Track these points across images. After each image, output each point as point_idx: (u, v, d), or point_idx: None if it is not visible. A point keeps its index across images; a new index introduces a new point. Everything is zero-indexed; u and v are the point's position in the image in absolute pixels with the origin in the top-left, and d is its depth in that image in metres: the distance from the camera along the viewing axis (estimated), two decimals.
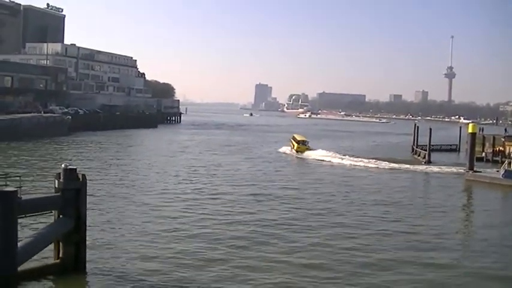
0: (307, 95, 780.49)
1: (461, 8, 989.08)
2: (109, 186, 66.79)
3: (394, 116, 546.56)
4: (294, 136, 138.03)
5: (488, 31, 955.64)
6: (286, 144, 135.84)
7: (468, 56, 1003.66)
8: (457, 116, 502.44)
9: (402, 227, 50.60)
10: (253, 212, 54.62)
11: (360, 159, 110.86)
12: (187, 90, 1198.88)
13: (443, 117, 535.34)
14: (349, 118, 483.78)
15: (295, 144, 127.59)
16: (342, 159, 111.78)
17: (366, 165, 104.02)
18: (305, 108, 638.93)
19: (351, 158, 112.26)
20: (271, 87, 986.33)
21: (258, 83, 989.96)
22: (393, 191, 72.98)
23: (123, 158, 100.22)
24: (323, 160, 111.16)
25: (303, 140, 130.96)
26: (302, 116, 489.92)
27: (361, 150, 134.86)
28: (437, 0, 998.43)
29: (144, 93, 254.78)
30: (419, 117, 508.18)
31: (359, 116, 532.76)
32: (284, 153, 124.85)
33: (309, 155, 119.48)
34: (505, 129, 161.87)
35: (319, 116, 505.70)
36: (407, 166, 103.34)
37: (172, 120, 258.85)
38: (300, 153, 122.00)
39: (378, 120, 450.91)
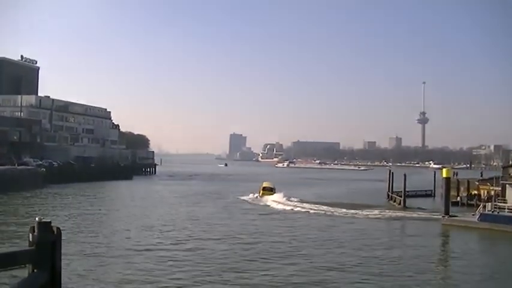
0: (281, 144, 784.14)
1: (432, 53, 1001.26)
2: (84, 238, 65.87)
3: (369, 163, 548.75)
4: (262, 183, 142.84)
5: (459, 75, 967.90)
6: (256, 192, 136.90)
7: (440, 101, 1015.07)
8: (430, 161, 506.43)
9: (377, 274, 50.40)
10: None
11: (324, 206, 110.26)
12: (162, 141, 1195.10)
13: (416, 163, 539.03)
14: (327, 166, 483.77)
15: (261, 191, 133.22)
16: (304, 205, 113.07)
17: (334, 211, 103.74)
18: (280, 157, 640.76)
19: (316, 205, 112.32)
20: (245, 137, 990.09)
21: (232, 133, 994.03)
22: (368, 238, 72.66)
23: (98, 210, 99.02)
24: (284, 206, 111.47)
25: (270, 187, 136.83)
26: (280, 165, 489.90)
27: (336, 197, 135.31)
28: (408, 46, 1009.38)
29: (119, 145, 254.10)
30: (390, 163, 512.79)
31: (337, 164, 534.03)
32: (249, 200, 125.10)
33: (267, 199, 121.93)
34: (481, 173, 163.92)
35: (297, 165, 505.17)
36: (383, 212, 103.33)
37: (148, 171, 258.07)
38: (265, 198, 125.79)
39: (356, 168, 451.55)
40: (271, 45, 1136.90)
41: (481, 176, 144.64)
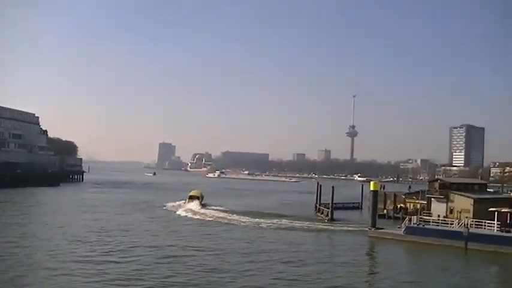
0: (210, 154, 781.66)
1: (361, 67, 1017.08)
2: (6, 247, 63.83)
3: (297, 175, 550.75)
4: (190, 192, 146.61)
5: (388, 89, 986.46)
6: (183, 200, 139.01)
7: (369, 115, 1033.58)
8: (358, 174, 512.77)
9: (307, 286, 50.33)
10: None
11: (252, 217, 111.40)
12: (91, 148, 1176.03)
13: (344, 175, 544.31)
14: (259, 177, 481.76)
15: (187, 199, 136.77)
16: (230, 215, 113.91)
17: (261, 222, 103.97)
18: (209, 167, 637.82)
19: (238, 215, 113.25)
20: (174, 146, 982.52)
21: (161, 142, 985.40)
22: (295, 251, 72.54)
23: (22, 219, 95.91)
24: (211, 216, 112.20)
25: (197, 196, 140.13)
26: (211, 175, 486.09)
27: (265, 208, 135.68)
28: (339, 59, 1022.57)
29: (47, 151, 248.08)
30: (316, 176, 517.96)
31: (268, 175, 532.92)
32: (175, 210, 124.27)
33: (195, 209, 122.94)
34: (409, 187, 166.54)
35: (228, 175, 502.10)
36: (311, 224, 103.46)
37: (75, 178, 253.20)
38: (198, 206, 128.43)
39: (288, 179, 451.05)
40: (198, 54, 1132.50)
41: (409, 189, 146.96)
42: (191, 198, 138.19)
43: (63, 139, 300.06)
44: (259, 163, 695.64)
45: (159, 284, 49.06)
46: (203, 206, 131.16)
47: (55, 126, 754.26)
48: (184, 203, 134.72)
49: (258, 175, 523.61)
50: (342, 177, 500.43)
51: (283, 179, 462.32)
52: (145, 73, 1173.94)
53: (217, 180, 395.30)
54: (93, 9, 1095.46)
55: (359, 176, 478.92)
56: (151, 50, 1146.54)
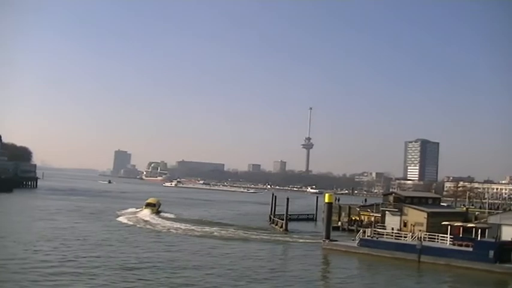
0: (166, 163, 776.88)
1: (318, 80, 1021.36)
2: None
3: (252, 185, 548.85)
4: (148, 200, 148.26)
5: (344, 103, 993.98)
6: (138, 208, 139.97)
7: (325, 128, 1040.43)
8: (311, 186, 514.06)
9: None
10: None
11: (206, 227, 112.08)
12: (46, 155, 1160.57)
13: (300, 187, 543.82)
14: (216, 187, 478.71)
15: (144, 207, 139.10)
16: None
17: (214, 231, 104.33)
18: (164, 176, 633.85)
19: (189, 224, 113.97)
20: (130, 154, 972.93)
21: (117, 150, 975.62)
22: (248, 262, 72.12)
23: None
24: (166, 225, 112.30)
25: (153, 203, 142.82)
26: (168, 184, 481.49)
27: (220, 218, 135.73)
28: (296, 71, 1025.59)
29: (0, 156, 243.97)
30: (269, 186, 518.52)
31: (226, 186, 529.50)
32: (129, 218, 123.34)
33: (145, 216, 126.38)
34: (365, 200, 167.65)
35: (185, 184, 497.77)
36: (265, 235, 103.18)
37: (29, 185, 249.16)
38: (153, 213, 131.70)
39: (245, 190, 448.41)
40: (155, 64, 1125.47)
41: (365, 202, 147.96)
42: (148, 205, 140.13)
43: (18, 145, 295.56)
44: (214, 173, 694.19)
45: None
46: (159, 213, 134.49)
47: (10, 132, 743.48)
48: (141, 210, 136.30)
49: (215, 185, 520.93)
50: (295, 189, 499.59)
51: (241, 189, 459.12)
52: (102, 80, 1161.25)
53: (175, 189, 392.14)
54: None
55: (312, 188, 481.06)
56: (109, 55, 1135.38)
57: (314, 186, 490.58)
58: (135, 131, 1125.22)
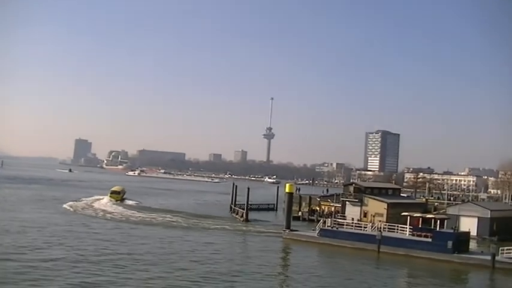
0: (127, 152, 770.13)
1: (280, 69, 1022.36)
2: None
3: (213, 175, 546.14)
4: (113, 187, 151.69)
5: (306, 93, 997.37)
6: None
7: (287, 118, 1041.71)
8: (268, 176, 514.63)
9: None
10: None
11: (163, 214, 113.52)
12: (3, 142, 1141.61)
13: (253, 177, 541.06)
14: (180, 177, 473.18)
15: (109, 194, 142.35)
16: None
17: (176, 221, 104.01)
18: (125, 165, 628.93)
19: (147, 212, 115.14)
20: (91, 143, 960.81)
21: (78, 138, 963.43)
22: (208, 251, 71.63)
23: None
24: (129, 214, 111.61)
25: (118, 191, 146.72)
26: (131, 173, 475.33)
27: (183, 207, 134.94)
28: (258, 61, 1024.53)
29: None
30: (227, 176, 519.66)
31: (190, 175, 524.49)
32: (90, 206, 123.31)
33: (109, 204, 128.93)
34: (327, 190, 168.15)
35: (148, 174, 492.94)
36: (225, 225, 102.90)
37: None
38: (117, 201, 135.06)
39: (209, 180, 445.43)
40: (115, 53, 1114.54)
41: (327, 192, 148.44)
42: (113, 193, 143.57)
43: None
44: (175, 162, 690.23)
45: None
46: (123, 200, 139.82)
47: None
48: (106, 197, 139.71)
49: (179, 174, 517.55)
50: (253, 178, 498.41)
51: (206, 179, 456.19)
52: (63, 67, 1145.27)
53: (138, 178, 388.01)
54: None
55: (269, 178, 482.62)
56: (70, 40, 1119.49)
57: (274, 176, 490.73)
58: (95, 120, 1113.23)
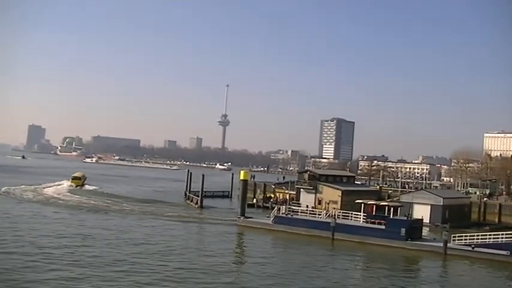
0: (81, 138, 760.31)
1: (235, 56, 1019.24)
2: None
3: (168, 162, 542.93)
4: (74, 173, 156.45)
5: (261, 80, 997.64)
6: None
7: (242, 105, 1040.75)
8: (220, 162, 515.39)
9: (172, 279, 48.66)
10: None
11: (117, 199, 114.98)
12: None
13: (205, 163, 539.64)
14: (139, 164, 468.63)
15: (71, 180, 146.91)
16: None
17: (129, 207, 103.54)
18: (79, 151, 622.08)
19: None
20: (44, 129, 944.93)
21: (31, 124, 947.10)
22: (162, 239, 70.93)
23: None
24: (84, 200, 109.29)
25: (79, 177, 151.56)
26: (89, 160, 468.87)
27: (137, 194, 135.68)
28: (214, 47, 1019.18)
29: None
30: (179, 163, 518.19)
31: (148, 162, 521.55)
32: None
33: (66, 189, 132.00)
34: (283, 177, 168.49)
35: (106, 161, 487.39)
36: (180, 211, 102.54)
37: None
38: (77, 187, 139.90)
39: (169, 167, 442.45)
40: (68, 38, 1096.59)
41: (283, 179, 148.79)
42: (74, 179, 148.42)
43: None
44: (130, 149, 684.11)
45: None
46: (83, 186, 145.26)
47: None
48: (66, 183, 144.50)
49: (138, 161, 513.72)
50: (204, 165, 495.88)
51: (164, 166, 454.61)
52: (16, 52, 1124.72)
53: (96, 165, 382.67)
54: None
55: (221, 165, 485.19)
56: (23, 26, 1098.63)
57: (229, 163, 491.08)
58: (49, 105, 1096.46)
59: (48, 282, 43.67)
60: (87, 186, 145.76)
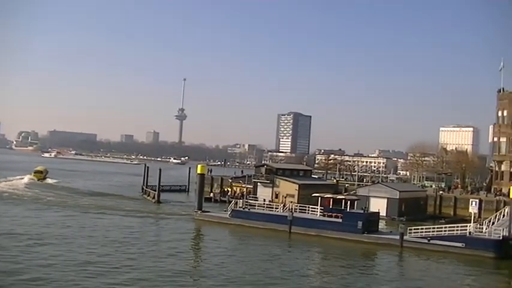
0: (37, 133, 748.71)
1: (192, 50, 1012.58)
2: None
3: (125, 156, 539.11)
4: (36, 167, 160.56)
5: (218, 75, 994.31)
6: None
7: (199, 99, 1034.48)
8: (174, 156, 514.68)
9: (131, 271, 48.05)
10: None
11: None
12: None
13: (159, 157, 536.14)
14: (99, 159, 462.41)
15: (33, 174, 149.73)
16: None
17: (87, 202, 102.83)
18: (35, 146, 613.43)
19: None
20: None
21: None
22: (119, 233, 70.14)
23: None
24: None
25: (41, 171, 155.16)
26: (47, 155, 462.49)
27: (95, 188, 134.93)
28: (170, 42, 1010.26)
29: None
30: (134, 157, 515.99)
31: (109, 157, 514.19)
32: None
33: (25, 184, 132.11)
34: (242, 171, 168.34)
35: (65, 156, 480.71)
36: (137, 206, 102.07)
37: None
38: (39, 180, 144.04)
39: (129, 162, 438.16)
40: (25, 30, 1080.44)
41: (242, 173, 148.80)
42: (37, 172, 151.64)
43: None
44: (87, 143, 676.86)
45: None
46: (44, 179, 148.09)
47: None
48: (27, 177, 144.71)
49: (98, 156, 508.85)
50: (158, 160, 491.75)
51: (125, 161, 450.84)
52: None
53: (55, 160, 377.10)
54: None
55: (174, 159, 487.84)
56: None
57: (185, 157, 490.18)
58: (3, 99, 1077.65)
59: None
60: (48, 180, 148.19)
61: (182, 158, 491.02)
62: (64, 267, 48.10)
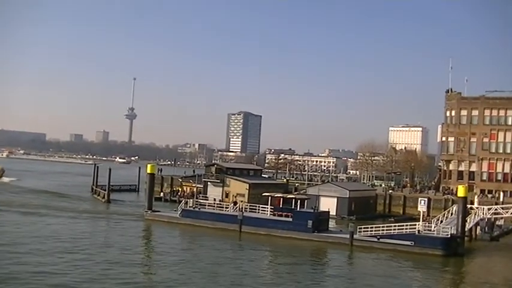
0: None
1: (142, 50, 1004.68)
2: None
3: (74, 156, 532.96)
4: None
5: (168, 74, 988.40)
6: None
7: (149, 98, 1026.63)
8: (119, 156, 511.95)
9: (85, 272, 47.34)
10: None
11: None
12: None
13: (111, 157, 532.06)
14: (52, 159, 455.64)
15: None
16: None
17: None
18: None
19: None
20: None
21: None
22: (67, 233, 69.41)
23: None
24: None
25: None
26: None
27: (44, 188, 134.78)
28: (120, 40, 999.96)
29: None
30: (79, 157, 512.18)
31: (62, 156, 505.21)
32: None
33: None
34: (193, 171, 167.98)
35: (17, 156, 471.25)
36: (86, 206, 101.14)
37: None
38: None
39: (83, 162, 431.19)
40: None
41: (193, 173, 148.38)
42: None
43: None
44: (35, 143, 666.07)
45: None
46: (1, 178, 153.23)
47: None
48: None
49: (50, 156, 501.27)
50: (104, 159, 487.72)
51: (79, 160, 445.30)
52: None
53: (7, 160, 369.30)
54: None
55: (120, 158, 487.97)
56: None
57: (135, 157, 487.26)
58: None
59: None
60: (4, 179, 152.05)
61: (127, 158, 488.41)
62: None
